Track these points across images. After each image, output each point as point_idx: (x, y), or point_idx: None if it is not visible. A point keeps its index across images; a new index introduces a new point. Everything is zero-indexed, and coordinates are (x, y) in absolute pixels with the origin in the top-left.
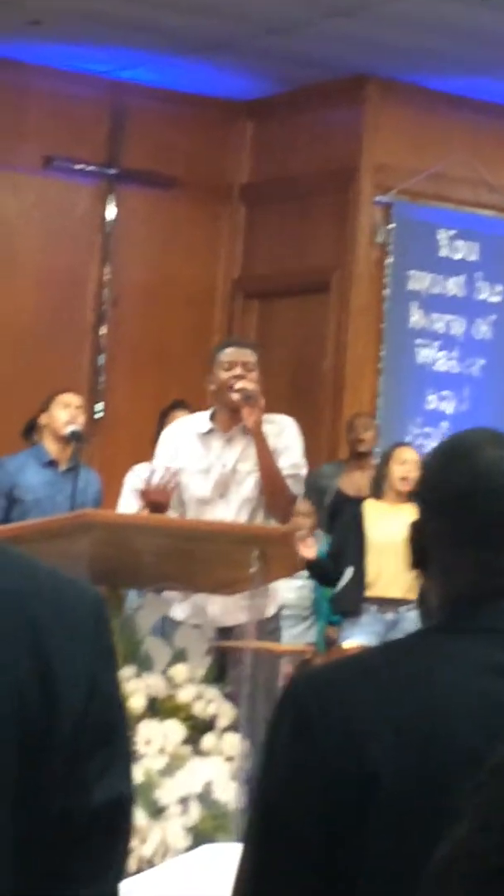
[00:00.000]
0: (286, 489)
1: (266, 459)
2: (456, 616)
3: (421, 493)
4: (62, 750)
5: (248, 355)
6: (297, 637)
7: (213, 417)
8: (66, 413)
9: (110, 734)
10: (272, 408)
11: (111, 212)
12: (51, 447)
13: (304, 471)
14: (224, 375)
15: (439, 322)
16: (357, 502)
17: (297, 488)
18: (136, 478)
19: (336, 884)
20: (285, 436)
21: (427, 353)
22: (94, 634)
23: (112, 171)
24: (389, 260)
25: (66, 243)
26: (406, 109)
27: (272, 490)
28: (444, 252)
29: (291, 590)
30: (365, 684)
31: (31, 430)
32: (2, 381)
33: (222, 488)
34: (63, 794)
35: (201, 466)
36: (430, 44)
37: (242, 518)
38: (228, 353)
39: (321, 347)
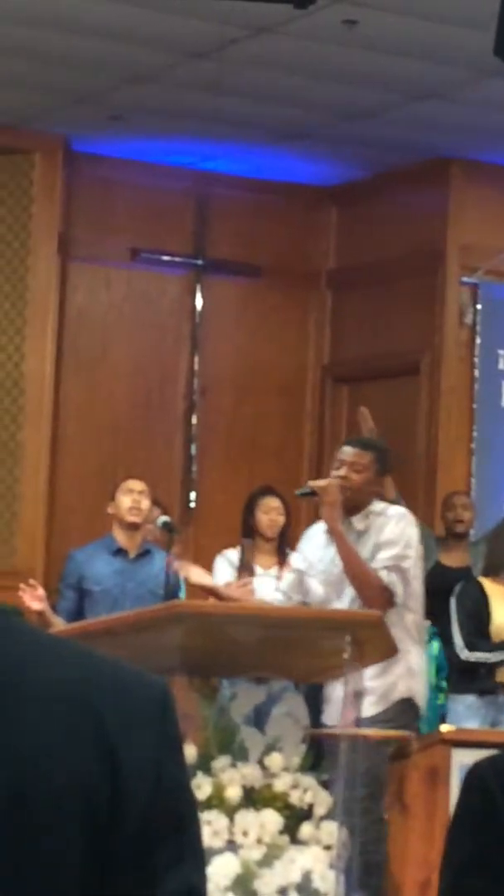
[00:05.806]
0: (374, 582)
1: (346, 556)
2: None
3: None
4: (131, 842)
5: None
6: None
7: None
8: (129, 499)
9: (179, 823)
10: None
11: (199, 302)
12: (118, 535)
13: (406, 562)
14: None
15: None
16: (473, 581)
17: (393, 578)
18: (226, 562)
19: None
20: (387, 530)
21: None
22: (159, 724)
23: (199, 262)
24: (478, 340)
25: (155, 334)
26: (489, 189)
27: (358, 585)
28: None
29: None
30: None
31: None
32: (95, 473)
33: (338, 587)
34: (133, 886)
35: (321, 567)
36: None
37: None
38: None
39: (413, 430)
